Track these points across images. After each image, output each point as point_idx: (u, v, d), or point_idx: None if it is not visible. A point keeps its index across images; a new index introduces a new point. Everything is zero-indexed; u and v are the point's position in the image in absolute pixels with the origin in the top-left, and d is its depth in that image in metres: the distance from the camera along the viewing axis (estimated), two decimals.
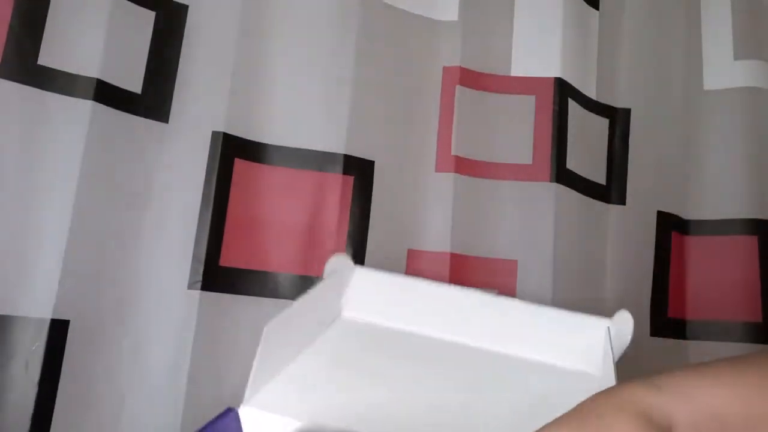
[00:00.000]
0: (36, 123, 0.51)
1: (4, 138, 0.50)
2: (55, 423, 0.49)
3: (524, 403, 0.44)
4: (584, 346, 0.49)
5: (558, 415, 0.31)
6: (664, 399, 0.31)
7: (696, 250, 0.76)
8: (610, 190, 0.73)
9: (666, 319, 0.73)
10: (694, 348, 0.73)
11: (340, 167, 0.60)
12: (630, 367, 0.71)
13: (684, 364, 0.33)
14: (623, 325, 0.50)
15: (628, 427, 0.28)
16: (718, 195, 0.76)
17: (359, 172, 0.61)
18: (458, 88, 0.66)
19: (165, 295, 0.54)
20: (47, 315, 0.49)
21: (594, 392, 0.33)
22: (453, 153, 0.65)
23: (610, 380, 0.42)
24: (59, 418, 0.49)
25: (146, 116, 0.55)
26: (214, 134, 0.57)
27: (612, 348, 0.46)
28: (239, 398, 0.55)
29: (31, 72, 0.51)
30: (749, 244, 0.74)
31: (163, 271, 0.54)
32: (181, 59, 0.57)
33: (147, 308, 0.54)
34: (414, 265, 0.62)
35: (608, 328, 0.47)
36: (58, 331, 0.49)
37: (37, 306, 0.49)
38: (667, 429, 0.29)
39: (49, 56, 0.51)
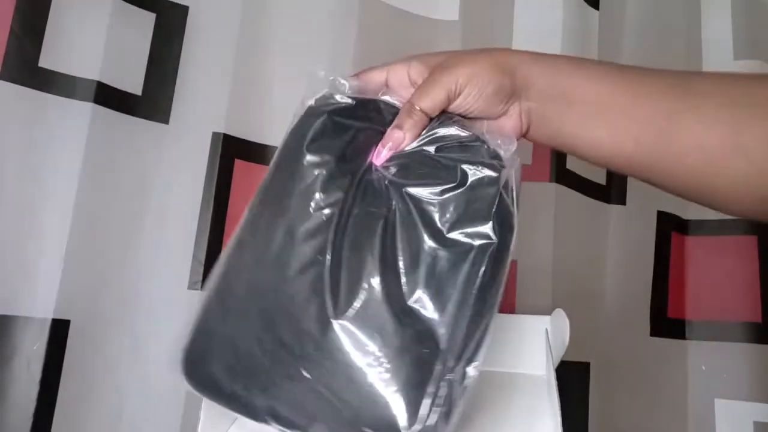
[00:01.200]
0: (37, 125, 0.51)
1: (5, 139, 0.50)
2: (56, 422, 0.49)
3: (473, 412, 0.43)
4: (525, 348, 0.49)
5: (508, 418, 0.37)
6: (532, 64, 0.39)
7: (696, 250, 0.76)
8: (610, 190, 0.74)
9: (666, 319, 0.73)
10: (694, 348, 0.73)
11: None
12: (630, 366, 0.71)
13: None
14: (560, 323, 0.50)
15: (491, 68, 0.38)
16: None
17: None
18: None
19: (165, 296, 0.54)
20: (48, 315, 0.49)
21: (540, 394, 0.41)
22: None
23: (552, 380, 0.43)
24: (60, 416, 0.49)
25: (146, 118, 0.55)
26: (215, 135, 0.57)
27: (551, 347, 0.46)
28: None
29: (32, 74, 0.51)
30: (749, 244, 0.74)
31: (163, 271, 0.54)
32: (181, 61, 0.57)
33: (147, 308, 0.54)
34: None
35: (546, 329, 0.47)
36: (59, 331, 0.50)
37: (38, 306, 0.49)
38: (524, 85, 0.38)
39: (49, 58, 0.52)
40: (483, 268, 0.35)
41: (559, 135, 0.40)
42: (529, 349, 0.48)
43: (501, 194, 0.36)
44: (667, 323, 0.73)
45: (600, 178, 0.73)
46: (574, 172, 0.70)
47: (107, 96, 0.53)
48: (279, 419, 0.34)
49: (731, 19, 0.77)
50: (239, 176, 0.57)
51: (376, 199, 0.37)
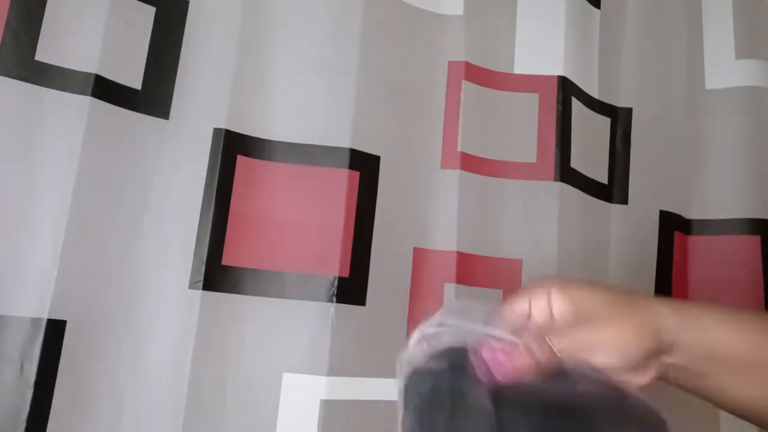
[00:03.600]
0: (33, 119, 0.50)
1: (1, 135, 0.49)
2: (50, 426, 0.47)
3: None
4: None
5: None
6: (678, 322, 0.38)
7: (698, 250, 0.76)
8: (613, 189, 0.73)
9: None
10: None
11: (345, 162, 0.58)
12: None
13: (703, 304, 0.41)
14: None
15: (636, 330, 0.37)
16: (720, 194, 0.76)
17: (365, 167, 0.60)
18: (464, 83, 0.65)
19: (165, 295, 0.53)
20: (43, 315, 0.48)
21: None
22: (459, 149, 0.64)
23: None
24: (55, 420, 0.48)
25: (146, 113, 0.54)
26: (216, 131, 0.56)
27: None
28: (241, 400, 0.54)
29: (28, 68, 0.50)
30: (752, 243, 0.74)
31: (163, 270, 0.53)
32: (181, 55, 0.56)
33: (147, 308, 0.52)
34: (420, 264, 0.61)
35: None
36: (55, 331, 0.48)
37: (33, 306, 0.48)
38: (668, 345, 0.37)
39: (46, 52, 0.50)
40: None
41: (702, 388, 0.39)
42: None
43: None
44: None
45: (602, 177, 0.73)
46: (578, 170, 0.69)
47: (106, 90, 0.52)
48: None
49: (732, 19, 0.77)
50: (241, 172, 0.56)
51: None
